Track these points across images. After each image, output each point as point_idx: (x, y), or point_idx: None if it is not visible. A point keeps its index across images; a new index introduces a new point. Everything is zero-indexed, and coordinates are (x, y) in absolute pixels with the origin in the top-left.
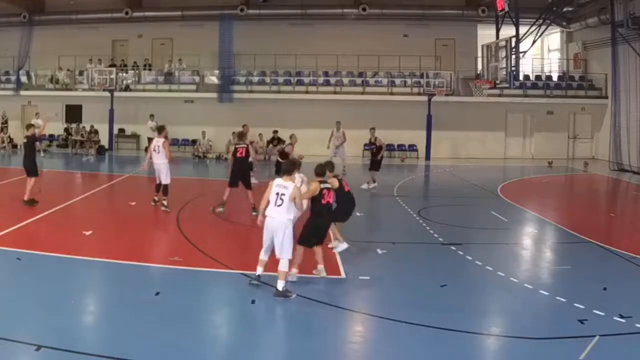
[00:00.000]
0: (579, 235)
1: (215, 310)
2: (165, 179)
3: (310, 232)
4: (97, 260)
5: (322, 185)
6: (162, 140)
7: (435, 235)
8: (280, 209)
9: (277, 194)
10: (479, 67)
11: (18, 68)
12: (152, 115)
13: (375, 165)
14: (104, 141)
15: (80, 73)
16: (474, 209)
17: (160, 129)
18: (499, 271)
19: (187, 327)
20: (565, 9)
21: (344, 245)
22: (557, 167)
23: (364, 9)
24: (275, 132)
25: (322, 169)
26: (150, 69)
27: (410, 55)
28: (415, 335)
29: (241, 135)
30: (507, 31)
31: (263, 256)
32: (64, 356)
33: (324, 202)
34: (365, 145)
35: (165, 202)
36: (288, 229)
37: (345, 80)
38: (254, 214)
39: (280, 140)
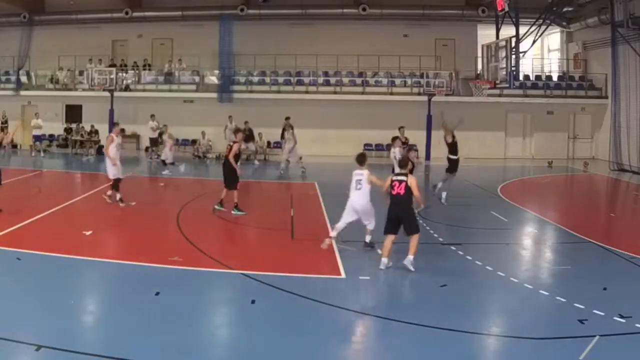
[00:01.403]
0: (579, 235)
1: (215, 311)
2: (110, 174)
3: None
4: (97, 260)
5: (393, 177)
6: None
7: (435, 235)
8: (360, 192)
9: (356, 180)
10: (479, 67)
11: (18, 68)
12: (152, 115)
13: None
14: (104, 141)
15: (80, 73)
16: (474, 209)
17: (114, 125)
18: (499, 271)
19: (187, 327)
20: (565, 9)
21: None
22: (557, 167)
23: (364, 9)
24: (287, 118)
25: (402, 162)
26: (150, 69)
27: (410, 55)
28: (415, 335)
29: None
30: (507, 31)
31: (340, 224)
32: (64, 356)
33: (393, 192)
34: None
35: (109, 193)
36: (367, 205)
37: (345, 80)
38: (216, 207)
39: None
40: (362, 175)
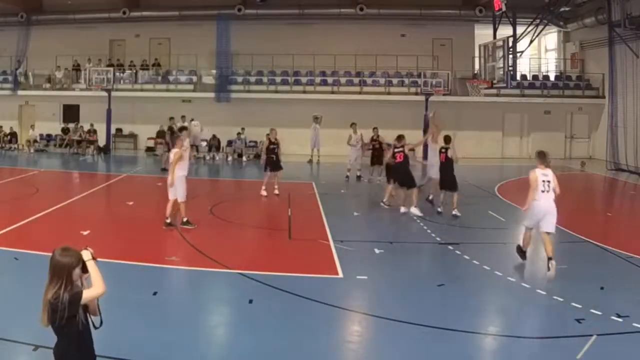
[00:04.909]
0: (576, 235)
1: (212, 310)
2: None
3: None
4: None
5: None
6: None
7: (433, 234)
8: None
9: (543, 181)
10: (476, 66)
11: (15, 68)
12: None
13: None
14: (102, 141)
15: (76, 70)
16: (471, 208)
17: None
18: (497, 270)
19: (185, 327)
20: (562, 9)
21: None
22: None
23: (361, 9)
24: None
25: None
26: (147, 69)
27: (407, 55)
28: (413, 334)
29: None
30: (505, 31)
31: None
32: None
33: None
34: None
35: None
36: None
37: (343, 80)
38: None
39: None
40: (546, 175)
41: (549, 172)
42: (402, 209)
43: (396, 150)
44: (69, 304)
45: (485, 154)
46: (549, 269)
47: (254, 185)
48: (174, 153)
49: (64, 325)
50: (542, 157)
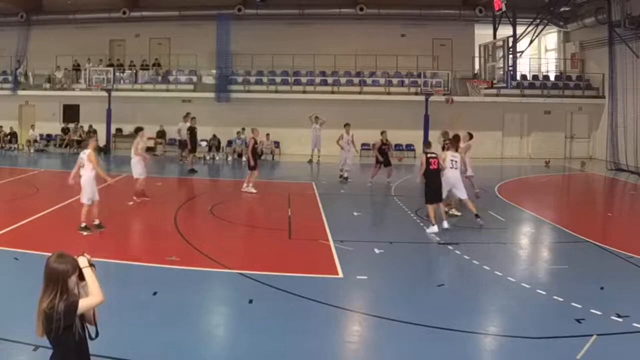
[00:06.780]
0: (576, 235)
1: (212, 310)
2: None
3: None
4: (95, 260)
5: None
6: None
7: (433, 234)
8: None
9: (452, 160)
10: (476, 67)
11: (15, 68)
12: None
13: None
14: (102, 141)
15: (76, 70)
16: None
17: None
18: (496, 270)
19: (185, 327)
20: (562, 9)
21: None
22: (554, 167)
23: (361, 9)
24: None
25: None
26: (147, 69)
27: (407, 55)
28: (413, 334)
29: None
30: (505, 31)
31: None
32: None
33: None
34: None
35: None
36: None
37: (343, 80)
38: None
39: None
40: (457, 156)
41: (457, 155)
42: (432, 229)
43: (429, 156)
44: (64, 314)
45: (485, 154)
46: (479, 222)
47: (254, 185)
48: (87, 154)
49: (60, 336)
50: (455, 144)
